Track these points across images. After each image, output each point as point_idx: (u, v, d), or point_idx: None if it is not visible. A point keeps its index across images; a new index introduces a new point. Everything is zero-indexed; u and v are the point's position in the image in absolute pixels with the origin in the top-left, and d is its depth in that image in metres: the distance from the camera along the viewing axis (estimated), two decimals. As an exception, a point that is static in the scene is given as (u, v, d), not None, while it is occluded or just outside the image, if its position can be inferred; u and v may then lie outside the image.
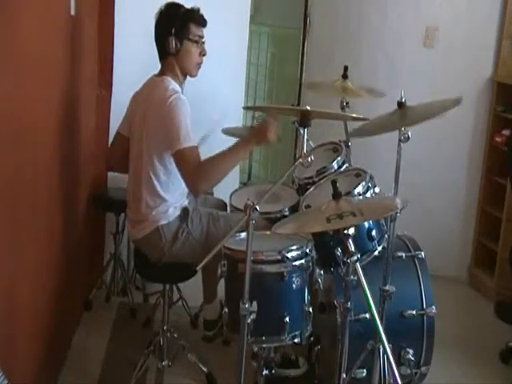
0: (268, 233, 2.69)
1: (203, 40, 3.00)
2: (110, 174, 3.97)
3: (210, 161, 2.81)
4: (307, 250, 2.57)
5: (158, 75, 2.99)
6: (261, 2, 5.49)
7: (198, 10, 2.99)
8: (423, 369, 2.95)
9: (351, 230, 2.07)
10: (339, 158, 3.17)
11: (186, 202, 3.05)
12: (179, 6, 2.97)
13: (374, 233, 2.60)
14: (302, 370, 3.09)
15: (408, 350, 2.85)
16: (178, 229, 2.96)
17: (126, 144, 3.06)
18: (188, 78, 3.05)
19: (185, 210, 2.99)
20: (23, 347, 2.45)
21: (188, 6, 2.98)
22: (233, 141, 3.84)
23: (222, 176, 2.82)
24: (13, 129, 2.16)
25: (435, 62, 4.43)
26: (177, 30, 2.91)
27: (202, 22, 2.99)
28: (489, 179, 4.49)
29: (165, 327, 3.13)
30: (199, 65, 3.02)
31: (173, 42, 2.91)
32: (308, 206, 2.81)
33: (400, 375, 2.00)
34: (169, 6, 2.97)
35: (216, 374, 3.15)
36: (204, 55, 3.01)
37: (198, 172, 2.77)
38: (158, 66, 3.01)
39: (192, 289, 3.54)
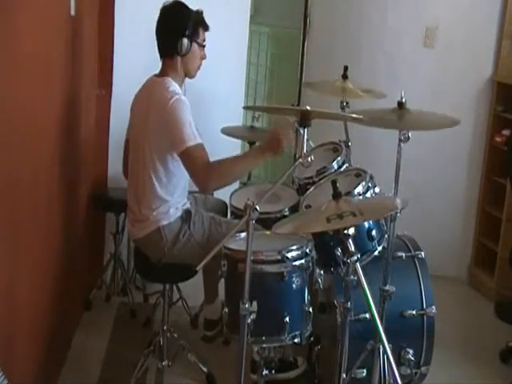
0: (268, 233, 2.69)
1: (205, 44, 3.03)
2: (110, 174, 3.97)
3: (221, 161, 2.82)
4: (307, 250, 2.57)
5: (158, 75, 2.99)
6: (261, 2, 5.49)
7: (202, 13, 3.01)
8: (423, 369, 2.95)
9: (351, 230, 2.07)
10: (339, 158, 3.17)
11: (187, 204, 3.05)
12: (187, 7, 2.97)
13: (374, 233, 2.60)
14: (300, 369, 3.09)
15: (408, 349, 2.85)
16: (180, 230, 2.95)
17: None
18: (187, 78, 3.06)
19: (187, 212, 2.99)
20: (23, 347, 2.44)
21: (190, 7, 2.98)
22: (233, 140, 3.86)
23: (230, 178, 2.84)
24: (13, 129, 2.16)
25: (435, 62, 4.43)
26: (190, 32, 2.92)
27: (208, 27, 3.02)
28: (489, 179, 4.49)
29: (165, 327, 3.13)
30: (199, 68, 3.05)
31: (185, 43, 2.92)
32: (308, 206, 2.81)
33: (400, 375, 2.00)
34: (176, 4, 2.96)
35: (216, 373, 3.15)
36: (204, 59, 3.04)
37: (207, 170, 2.77)
38: (159, 66, 3.00)
39: (192, 289, 3.54)
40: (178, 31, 2.92)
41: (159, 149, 2.88)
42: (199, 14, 2.98)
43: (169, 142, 2.83)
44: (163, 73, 2.98)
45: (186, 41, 2.92)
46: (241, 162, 2.90)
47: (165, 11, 2.95)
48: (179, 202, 2.99)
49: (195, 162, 2.78)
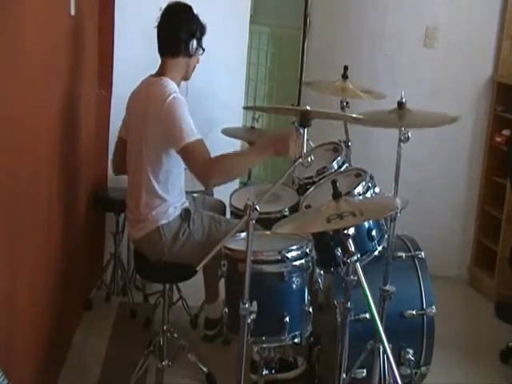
0: (268, 233, 2.70)
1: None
2: (110, 174, 3.96)
3: (223, 156, 2.82)
4: (307, 250, 2.57)
5: (155, 75, 2.99)
6: (261, 2, 5.49)
7: None
8: (423, 369, 2.95)
9: (351, 230, 2.07)
10: (339, 158, 3.17)
11: (186, 203, 3.05)
12: (191, 8, 2.99)
13: (374, 233, 2.60)
14: (300, 369, 3.09)
15: (408, 349, 2.85)
16: (179, 229, 2.96)
17: None
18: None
19: (186, 211, 2.99)
20: (23, 347, 2.44)
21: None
22: (232, 140, 3.86)
23: (232, 173, 2.86)
24: (13, 129, 2.16)
25: (435, 62, 4.43)
26: (199, 35, 2.97)
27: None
28: (489, 179, 4.49)
29: (165, 327, 3.13)
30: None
31: (195, 45, 2.95)
32: (308, 206, 2.81)
33: (400, 375, 2.00)
34: (185, 5, 2.97)
35: (216, 373, 3.15)
36: (197, 63, 3.07)
37: (208, 164, 2.77)
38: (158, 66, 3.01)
39: (192, 289, 3.54)
40: (190, 32, 2.94)
41: (157, 147, 2.89)
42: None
43: (168, 140, 2.83)
44: (161, 72, 2.97)
45: (195, 42, 2.95)
46: (243, 158, 2.91)
47: (173, 10, 2.95)
48: (178, 201, 3.00)
49: (195, 157, 2.78)
